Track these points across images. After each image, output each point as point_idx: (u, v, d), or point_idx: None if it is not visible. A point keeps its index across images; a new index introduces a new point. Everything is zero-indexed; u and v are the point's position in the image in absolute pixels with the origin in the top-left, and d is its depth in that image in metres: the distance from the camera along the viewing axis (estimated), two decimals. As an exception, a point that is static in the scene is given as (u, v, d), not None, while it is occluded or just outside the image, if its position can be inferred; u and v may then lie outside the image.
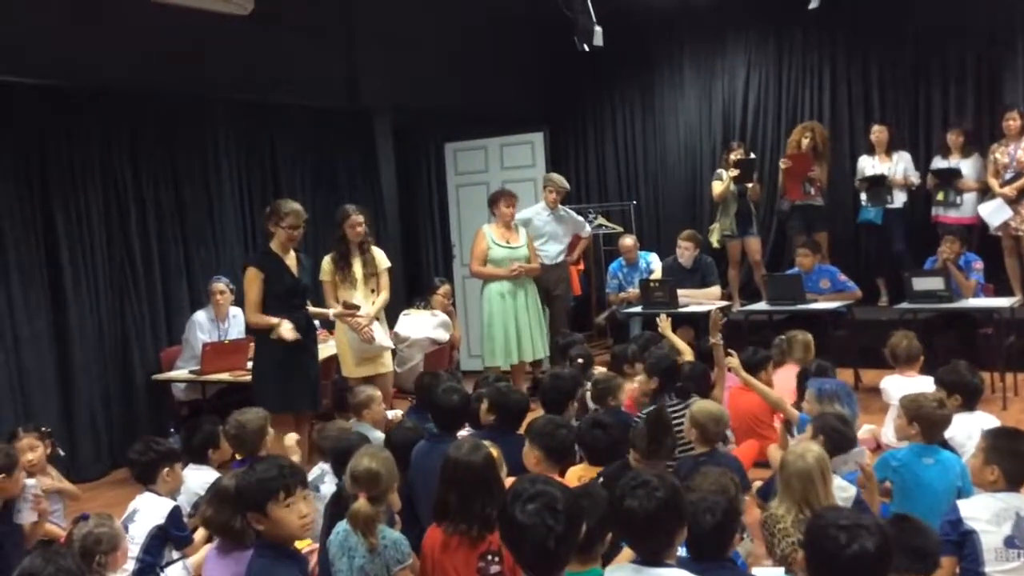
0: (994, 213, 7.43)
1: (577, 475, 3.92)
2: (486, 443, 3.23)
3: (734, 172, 8.37)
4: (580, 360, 5.69)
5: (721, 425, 4.23)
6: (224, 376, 6.12)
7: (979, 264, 7.00)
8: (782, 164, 8.34)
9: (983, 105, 8.42)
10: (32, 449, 4.43)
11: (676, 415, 4.48)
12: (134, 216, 6.73)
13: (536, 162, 8.80)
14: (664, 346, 5.54)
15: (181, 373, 6.48)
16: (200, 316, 6.66)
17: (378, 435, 4.60)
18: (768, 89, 9.41)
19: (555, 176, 7.66)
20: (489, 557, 2.90)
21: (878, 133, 8.22)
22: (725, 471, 3.36)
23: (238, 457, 4.39)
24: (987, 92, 8.41)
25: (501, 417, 4.38)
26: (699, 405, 4.28)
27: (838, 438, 3.71)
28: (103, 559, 3.22)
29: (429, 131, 9.42)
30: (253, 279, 5.11)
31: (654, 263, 8.38)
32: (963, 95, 8.51)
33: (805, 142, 8.27)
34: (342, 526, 3.18)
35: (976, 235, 7.77)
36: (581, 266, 9.62)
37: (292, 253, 5.33)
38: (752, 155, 8.70)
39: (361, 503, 3.08)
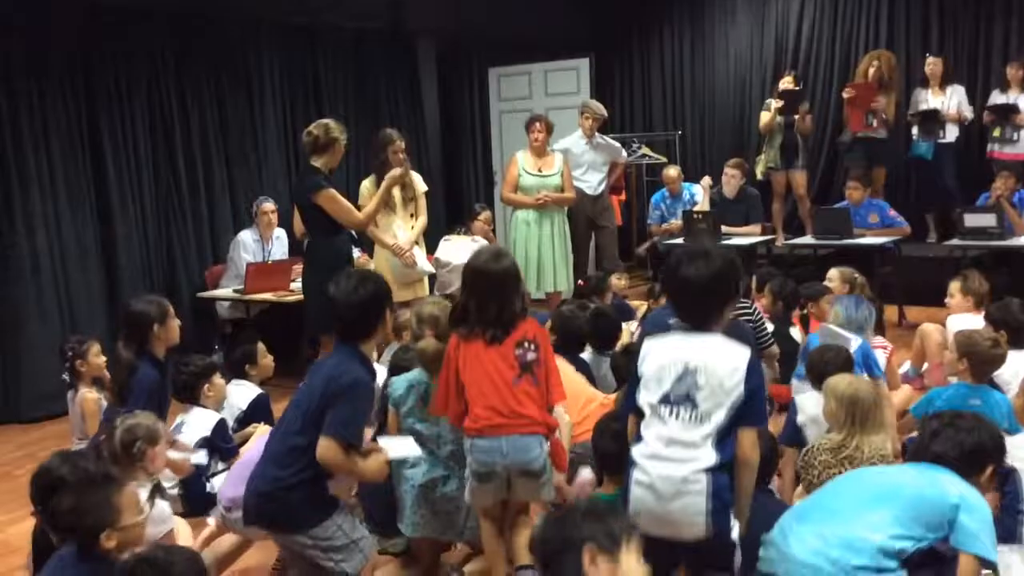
0: (1054, 150, 7.22)
1: (600, 402, 3.97)
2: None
3: (779, 103, 8.18)
4: (580, 282, 5.75)
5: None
6: (267, 296, 6.19)
7: (1034, 202, 6.83)
8: (844, 94, 8.10)
9: (1046, 38, 8.12)
10: (97, 355, 4.65)
11: None
12: (179, 136, 6.79)
13: (581, 89, 8.67)
14: None
15: (225, 292, 6.57)
16: (245, 236, 6.72)
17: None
18: (823, 17, 9.11)
19: (593, 102, 7.49)
20: (526, 344, 3.01)
21: (932, 65, 7.97)
22: None
23: None
24: (1051, 24, 8.10)
25: (562, 339, 4.45)
26: None
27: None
28: (141, 446, 3.30)
29: (473, 55, 9.29)
30: (335, 196, 5.01)
31: (698, 195, 8.27)
32: (1026, 27, 8.20)
33: (871, 71, 8.01)
34: (404, 376, 3.45)
35: (1032, 172, 7.56)
36: (622, 196, 9.54)
37: None
38: (799, 86, 8.47)
39: (429, 340, 3.36)
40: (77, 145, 6.17)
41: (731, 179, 7.79)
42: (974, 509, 2.45)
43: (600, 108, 7.36)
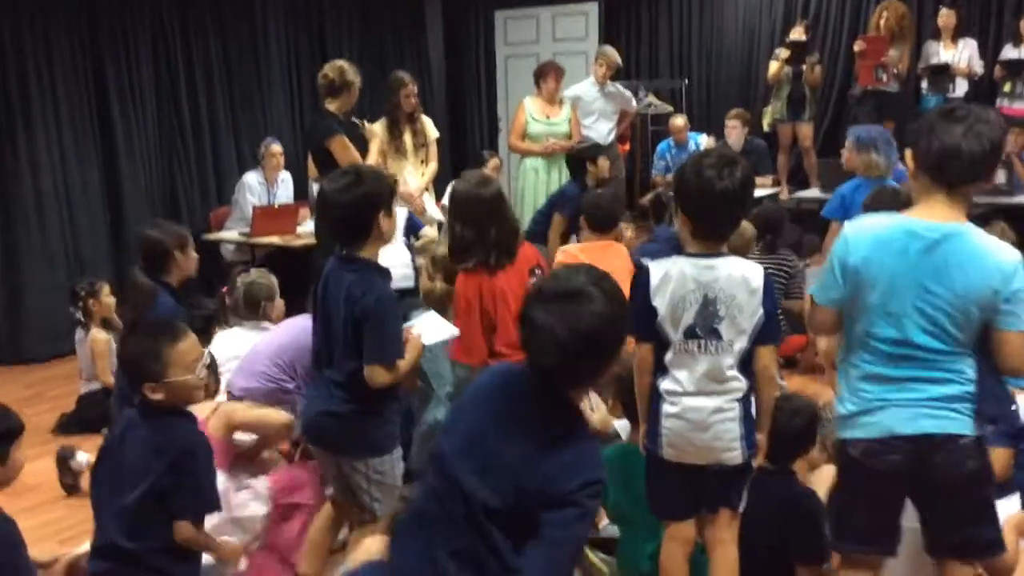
0: (1063, 106, 7.18)
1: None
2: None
3: (786, 53, 8.09)
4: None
5: (746, 237, 4.50)
6: (273, 239, 6.16)
7: (1045, 158, 6.81)
8: (856, 47, 8.02)
9: (1061, -8, 8.01)
10: (108, 296, 4.74)
11: None
12: (183, 76, 6.73)
13: (589, 34, 8.56)
14: None
15: (231, 234, 6.53)
16: (250, 178, 6.67)
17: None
18: (835, -35, 8.96)
19: (608, 49, 7.39)
20: (537, 271, 3.16)
21: (946, 17, 7.87)
22: None
23: None
24: (1067, -22, 7.99)
25: None
26: None
27: None
28: (266, 304, 3.64)
29: (480, -3, 9.16)
30: (345, 144, 4.91)
31: (704, 145, 8.22)
32: (1041, -20, 8.09)
33: (882, 23, 7.92)
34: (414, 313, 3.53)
35: (1041, 129, 7.51)
36: (626, 146, 9.46)
37: None
38: (809, 36, 8.36)
39: (436, 282, 3.53)
40: (82, 86, 6.13)
41: (733, 131, 7.74)
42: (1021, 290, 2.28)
43: (615, 55, 7.26)
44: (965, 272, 2.29)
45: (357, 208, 2.73)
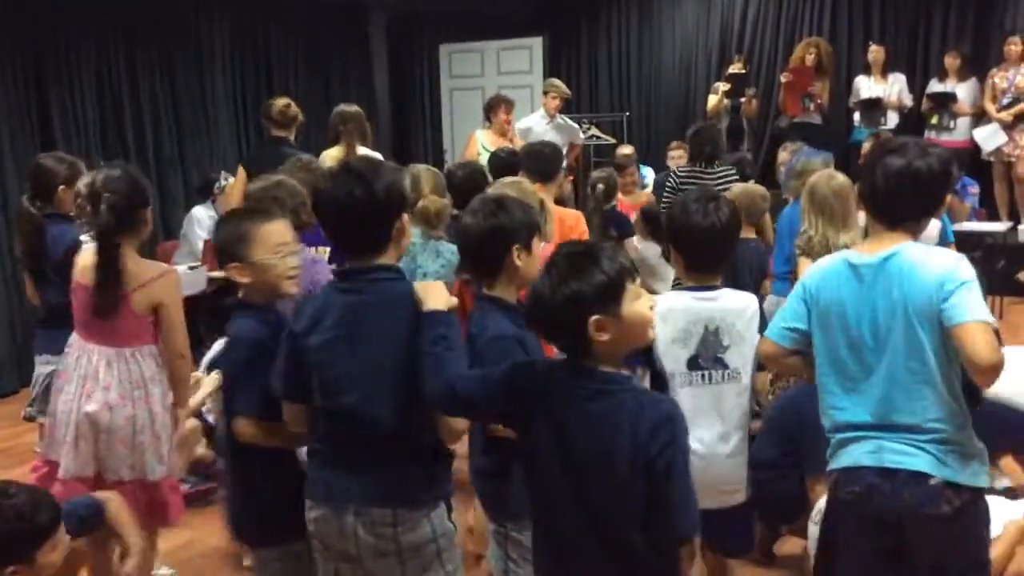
0: (989, 138, 7.51)
1: None
2: None
3: (726, 86, 8.31)
4: (600, 187, 5.72)
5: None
6: (223, 273, 6.04)
7: (975, 188, 7.10)
8: (782, 78, 8.29)
9: (982, 29, 8.38)
10: None
11: None
12: (129, 109, 6.63)
13: (534, 68, 8.66)
14: None
15: (180, 268, 6.39)
16: (199, 212, 6.54)
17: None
18: (768, 3, 9.26)
19: (557, 82, 7.50)
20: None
21: (875, 53, 8.19)
22: None
23: None
24: (987, 16, 8.36)
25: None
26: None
27: None
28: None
29: (425, 32, 9.20)
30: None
31: (648, 176, 8.35)
32: (963, 18, 8.45)
33: (809, 58, 8.20)
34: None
35: (966, 160, 7.83)
36: (571, 177, 9.55)
37: None
38: (744, 70, 8.61)
39: (432, 198, 3.67)
40: (25, 116, 5.97)
41: (678, 160, 7.89)
42: (960, 282, 2.12)
43: (565, 88, 7.38)
44: (903, 290, 2.15)
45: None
